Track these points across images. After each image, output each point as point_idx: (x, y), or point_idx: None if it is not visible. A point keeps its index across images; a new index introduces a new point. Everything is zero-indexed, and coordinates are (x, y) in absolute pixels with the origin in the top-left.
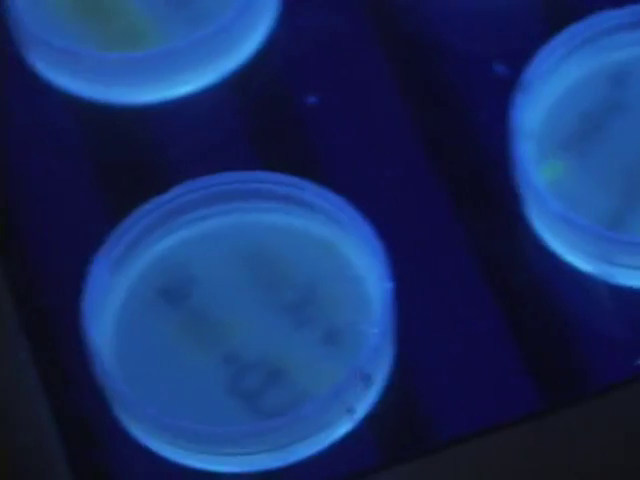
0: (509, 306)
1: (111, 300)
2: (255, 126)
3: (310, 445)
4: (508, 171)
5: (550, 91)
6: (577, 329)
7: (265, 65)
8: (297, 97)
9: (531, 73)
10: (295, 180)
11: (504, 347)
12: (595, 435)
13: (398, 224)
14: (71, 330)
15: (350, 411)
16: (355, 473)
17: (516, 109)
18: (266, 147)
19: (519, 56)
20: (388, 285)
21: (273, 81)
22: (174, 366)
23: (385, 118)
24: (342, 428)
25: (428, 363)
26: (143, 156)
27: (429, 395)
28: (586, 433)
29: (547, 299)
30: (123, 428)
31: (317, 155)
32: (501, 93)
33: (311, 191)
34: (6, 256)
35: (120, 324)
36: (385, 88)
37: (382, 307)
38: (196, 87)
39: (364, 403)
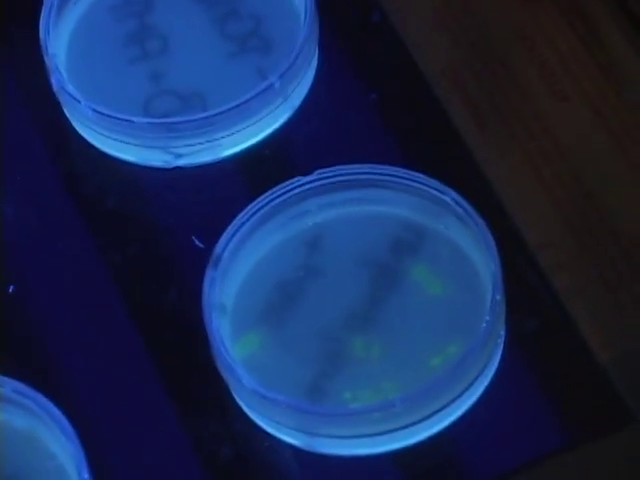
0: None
1: None
2: None
3: None
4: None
5: (243, 263)
6: None
7: None
8: None
9: (220, 247)
10: None
11: None
12: None
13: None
14: None
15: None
16: None
17: (207, 285)
18: None
19: (215, 229)
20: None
21: None
22: None
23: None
24: None
25: None
26: None
27: None
28: None
29: (254, 471)
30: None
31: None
32: (200, 267)
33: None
34: None
35: None
36: (90, 263)
37: None
38: None
39: None
